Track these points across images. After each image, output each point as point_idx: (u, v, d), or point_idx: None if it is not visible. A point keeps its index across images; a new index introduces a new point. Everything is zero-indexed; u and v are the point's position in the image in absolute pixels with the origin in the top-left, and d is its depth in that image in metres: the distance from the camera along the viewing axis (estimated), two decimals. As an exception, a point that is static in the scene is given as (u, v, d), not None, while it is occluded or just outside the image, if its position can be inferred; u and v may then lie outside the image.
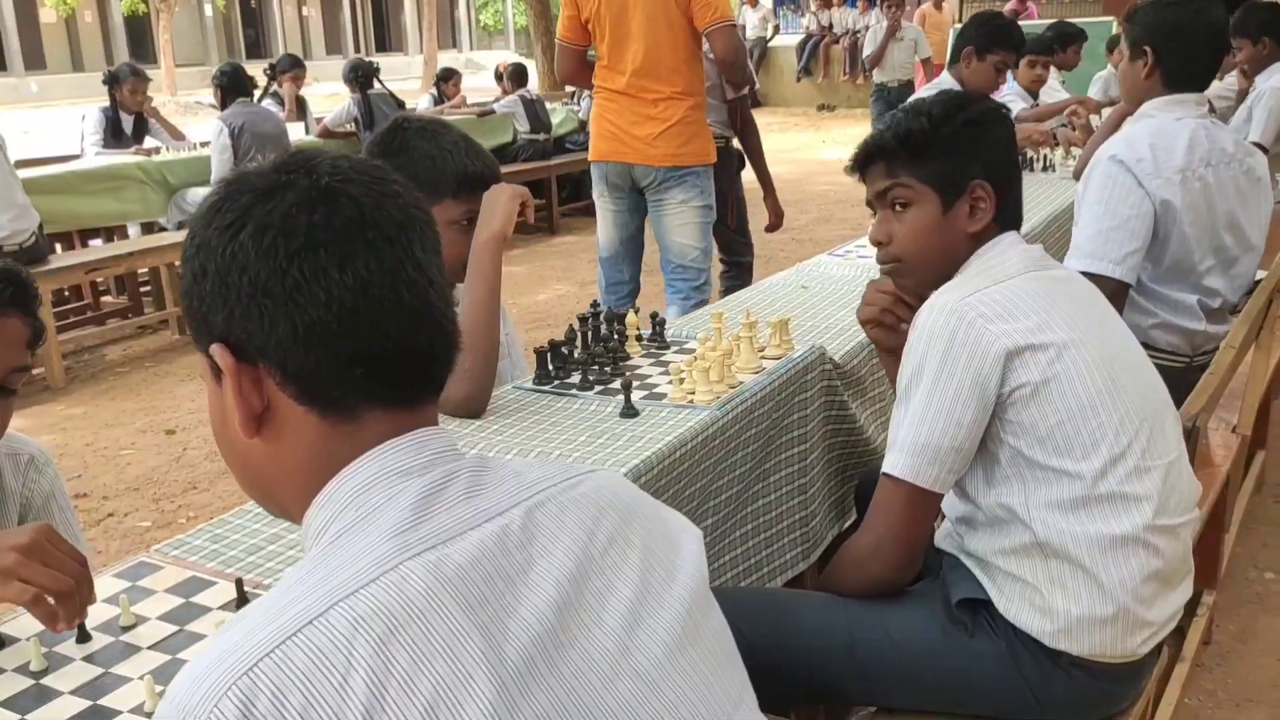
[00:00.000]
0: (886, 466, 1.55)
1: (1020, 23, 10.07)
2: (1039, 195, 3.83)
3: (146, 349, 6.04)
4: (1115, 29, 9.35)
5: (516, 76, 9.11)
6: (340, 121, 7.45)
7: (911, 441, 1.53)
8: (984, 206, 1.63)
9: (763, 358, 2.05)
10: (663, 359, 2.11)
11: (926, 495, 1.53)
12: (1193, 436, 1.77)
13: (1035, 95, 5.38)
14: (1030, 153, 4.45)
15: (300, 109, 8.03)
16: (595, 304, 2.15)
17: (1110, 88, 6.92)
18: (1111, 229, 2.50)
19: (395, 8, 42.61)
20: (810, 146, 14.18)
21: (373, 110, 7.34)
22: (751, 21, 17.84)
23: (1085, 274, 2.53)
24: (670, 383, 1.90)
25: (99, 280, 6.56)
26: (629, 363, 2.09)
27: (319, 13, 40.32)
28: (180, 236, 6.23)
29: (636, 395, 1.89)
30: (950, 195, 1.65)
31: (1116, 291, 2.49)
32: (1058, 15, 14.36)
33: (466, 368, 1.81)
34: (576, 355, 2.05)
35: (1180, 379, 2.71)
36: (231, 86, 6.31)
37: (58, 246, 6.62)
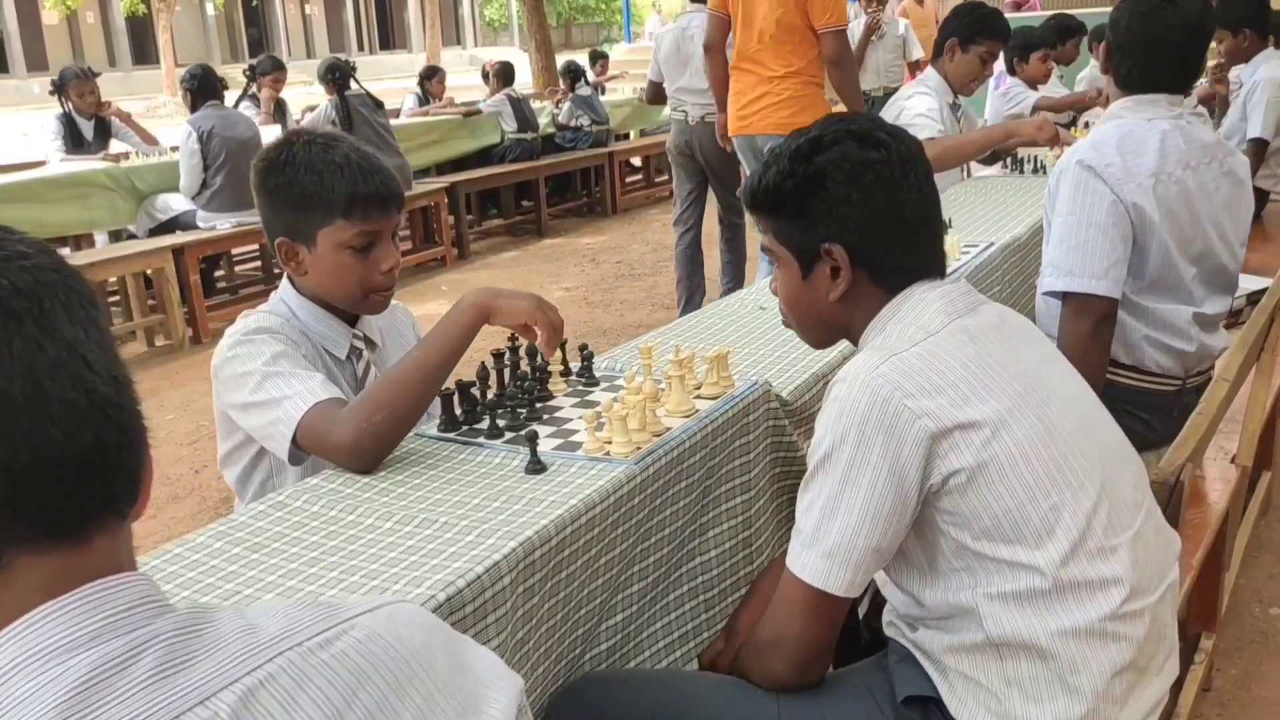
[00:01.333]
0: (790, 559, 1.35)
1: (1022, 16, 9.82)
2: (1026, 202, 3.60)
3: (113, 362, 5.84)
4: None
5: (503, 75, 8.91)
6: (316, 124, 7.23)
7: (820, 537, 1.31)
8: (842, 273, 1.43)
9: (698, 397, 1.84)
10: (590, 398, 1.90)
11: (835, 601, 1.32)
12: (1175, 491, 1.55)
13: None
14: (1020, 153, 4.20)
15: (279, 112, 7.83)
16: (514, 337, 1.94)
17: (1097, 85, 6.67)
18: (1087, 240, 2.28)
19: (399, 5, 42.42)
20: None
21: (350, 112, 7.13)
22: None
23: (1069, 294, 2.34)
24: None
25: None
26: (551, 403, 1.88)
27: (322, 11, 40.15)
28: (150, 244, 6.03)
29: (550, 445, 1.68)
30: (805, 259, 1.46)
31: (1104, 310, 2.28)
32: (1060, 8, 14.06)
33: (374, 421, 1.60)
34: (490, 397, 1.83)
35: (1173, 404, 2.49)
36: (201, 90, 6.12)
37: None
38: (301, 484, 1.59)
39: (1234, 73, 4.63)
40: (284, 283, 1.93)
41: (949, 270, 2.65)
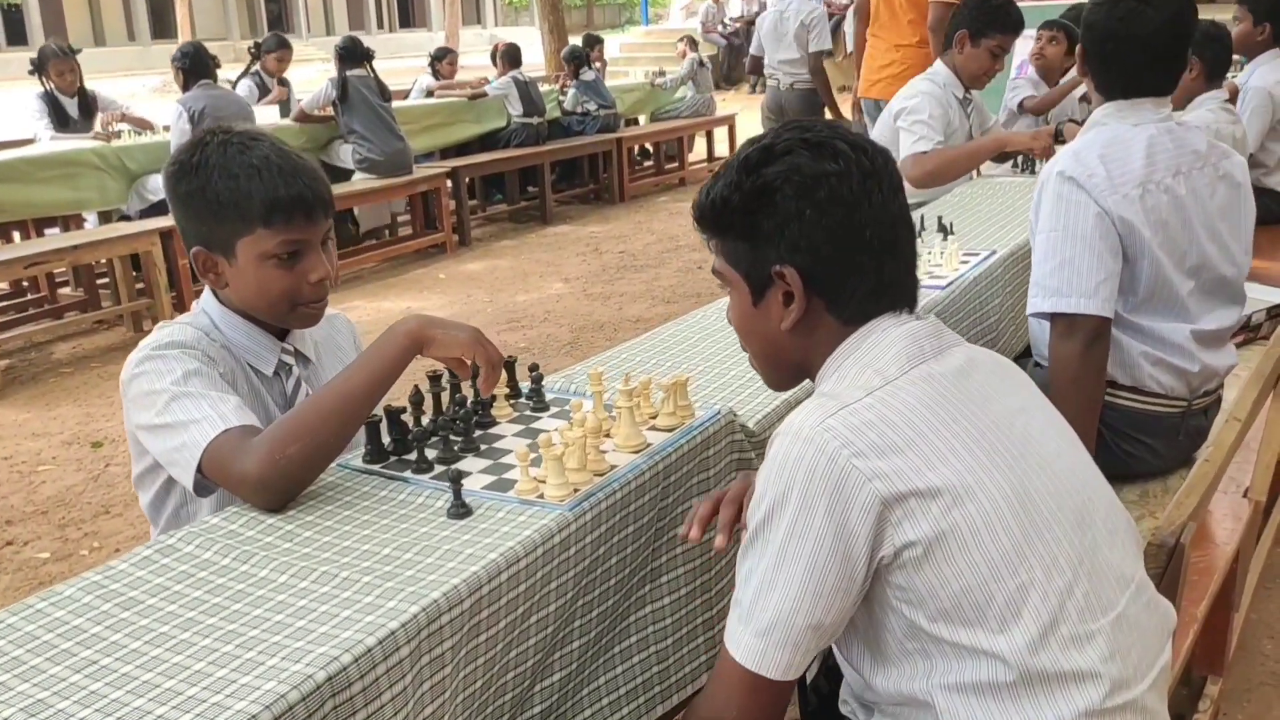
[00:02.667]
0: (727, 634, 1.19)
1: (1038, 4, 9.51)
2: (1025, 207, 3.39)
3: (98, 346, 5.72)
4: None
5: (509, 57, 8.73)
6: (316, 104, 7.07)
7: (756, 613, 1.15)
8: (795, 299, 1.27)
9: (653, 428, 1.67)
10: (537, 425, 1.73)
11: (773, 684, 1.16)
12: (1174, 555, 1.37)
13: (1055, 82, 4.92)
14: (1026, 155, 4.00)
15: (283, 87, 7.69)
16: (437, 374, 1.76)
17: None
18: (1073, 257, 2.12)
19: (419, -18, 42.17)
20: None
21: (349, 90, 6.96)
22: (769, -1, 17.30)
23: (1056, 315, 2.16)
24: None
25: (58, 271, 6.25)
26: (494, 430, 1.71)
27: (342, -13, 39.96)
28: (137, 226, 5.89)
29: (481, 483, 1.51)
30: (755, 282, 1.30)
31: (1096, 330, 2.11)
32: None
33: (288, 453, 1.44)
34: (426, 423, 1.67)
35: (1179, 426, 2.32)
36: (193, 68, 5.97)
37: (15, 236, 6.33)
38: (197, 524, 1.43)
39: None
40: (206, 291, 1.77)
41: (945, 282, 2.53)
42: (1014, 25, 3.92)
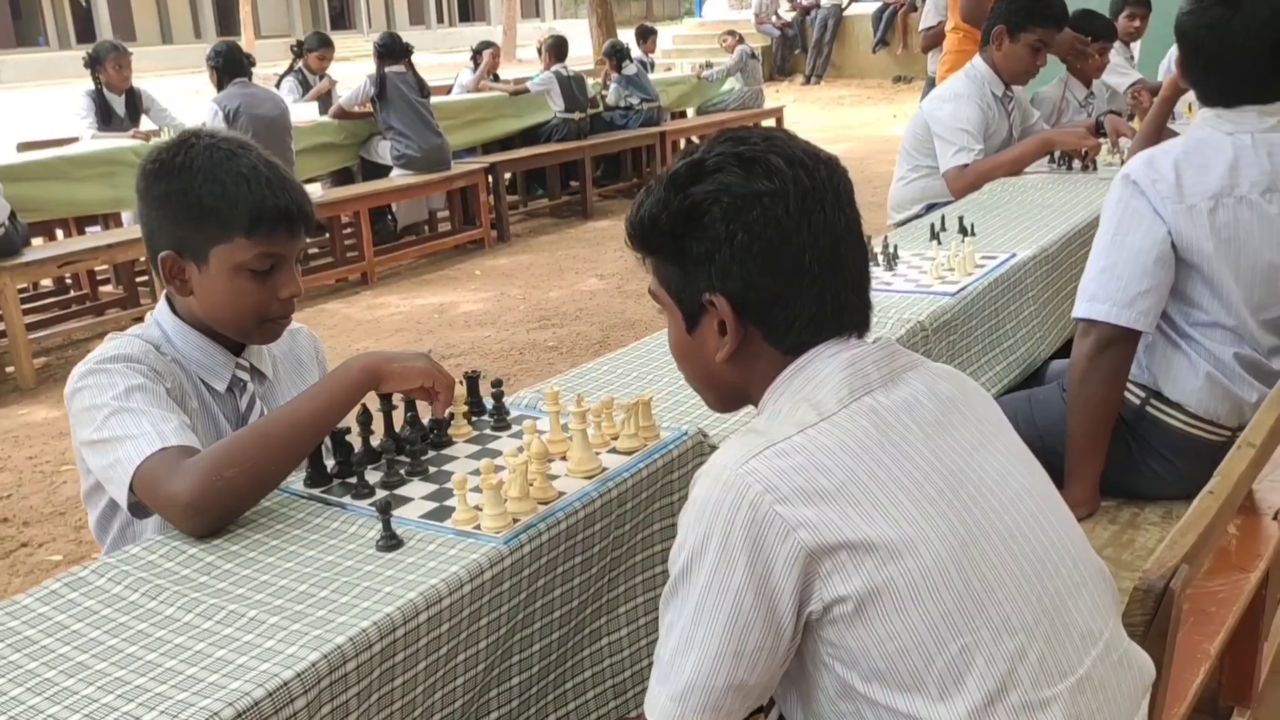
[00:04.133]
0: (648, 700, 1.09)
1: None
2: (1067, 205, 3.24)
3: (134, 345, 5.75)
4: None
5: (555, 50, 8.65)
6: (355, 101, 7.07)
7: (673, 674, 1.06)
8: (728, 329, 1.17)
9: (613, 450, 1.57)
10: (494, 446, 1.64)
11: None
12: (1164, 601, 1.25)
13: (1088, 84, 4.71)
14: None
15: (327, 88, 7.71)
16: (390, 401, 1.69)
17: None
18: (1116, 264, 2.00)
19: (478, -24, 42.37)
20: (880, 122, 13.45)
21: (387, 87, 6.94)
22: (827, -11, 17.06)
23: (1084, 321, 2.03)
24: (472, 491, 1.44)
25: (100, 269, 6.31)
26: (448, 450, 1.63)
27: (403, -18, 40.27)
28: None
29: (420, 511, 1.43)
30: (689, 311, 1.20)
31: (1113, 339, 1.99)
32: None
33: (225, 476, 1.38)
34: (373, 444, 1.59)
35: (1216, 456, 2.16)
36: (226, 67, 5.98)
37: (58, 233, 6.40)
38: (117, 553, 1.37)
39: None
40: (161, 302, 1.72)
41: (956, 288, 2.39)
42: (1056, 18, 3.74)
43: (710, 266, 1.16)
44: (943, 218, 2.97)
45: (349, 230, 7.07)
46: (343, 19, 38.31)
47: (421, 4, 40.60)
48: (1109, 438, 2.10)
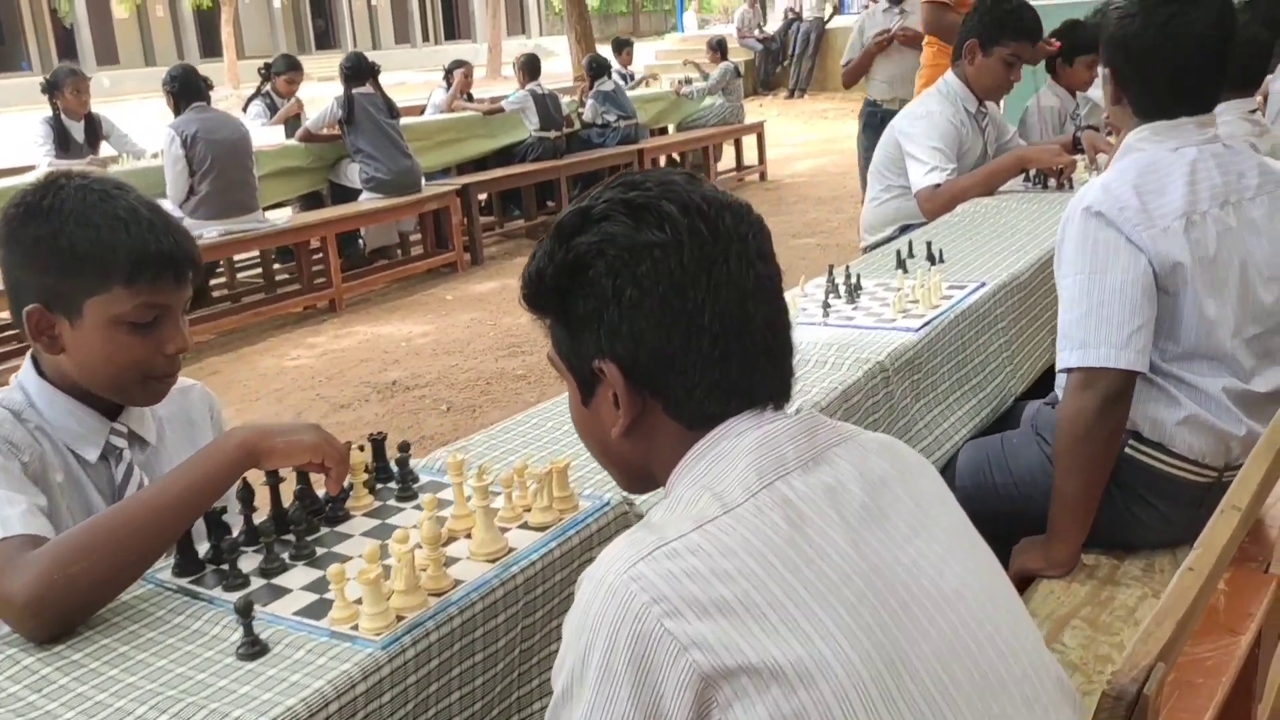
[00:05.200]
0: None
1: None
2: (1040, 227, 3.08)
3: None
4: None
5: (528, 68, 8.50)
6: (321, 123, 6.92)
7: None
8: (621, 402, 1.02)
9: (524, 525, 1.41)
10: (394, 521, 1.47)
11: None
12: (1138, 708, 1.08)
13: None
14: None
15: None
16: (277, 474, 1.52)
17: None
18: (1101, 304, 1.85)
19: (464, -5, 42.35)
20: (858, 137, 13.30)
21: (354, 108, 6.79)
22: (809, 2, 16.96)
23: (1082, 370, 1.87)
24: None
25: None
26: (343, 527, 1.46)
27: (388, 2, 40.23)
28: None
29: (302, 603, 1.26)
30: (581, 379, 1.06)
31: (1121, 385, 1.85)
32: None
33: (69, 573, 1.21)
34: (257, 524, 1.42)
35: (1202, 498, 2.01)
36: (183, 91, 5.80)
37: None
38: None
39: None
40: (26, 362, 1.55)
41: (919, 323, 2.22)
42: (1028, 32, 3.59)
43: (598, 328, 1.01)
44: (910, 244, 2.81)
45: (317, 256, 6.90)
46: (327, 38, 38.23)
47: (406, 22, 40.56)
48: (1102, 494, 1.94)
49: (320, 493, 1.49)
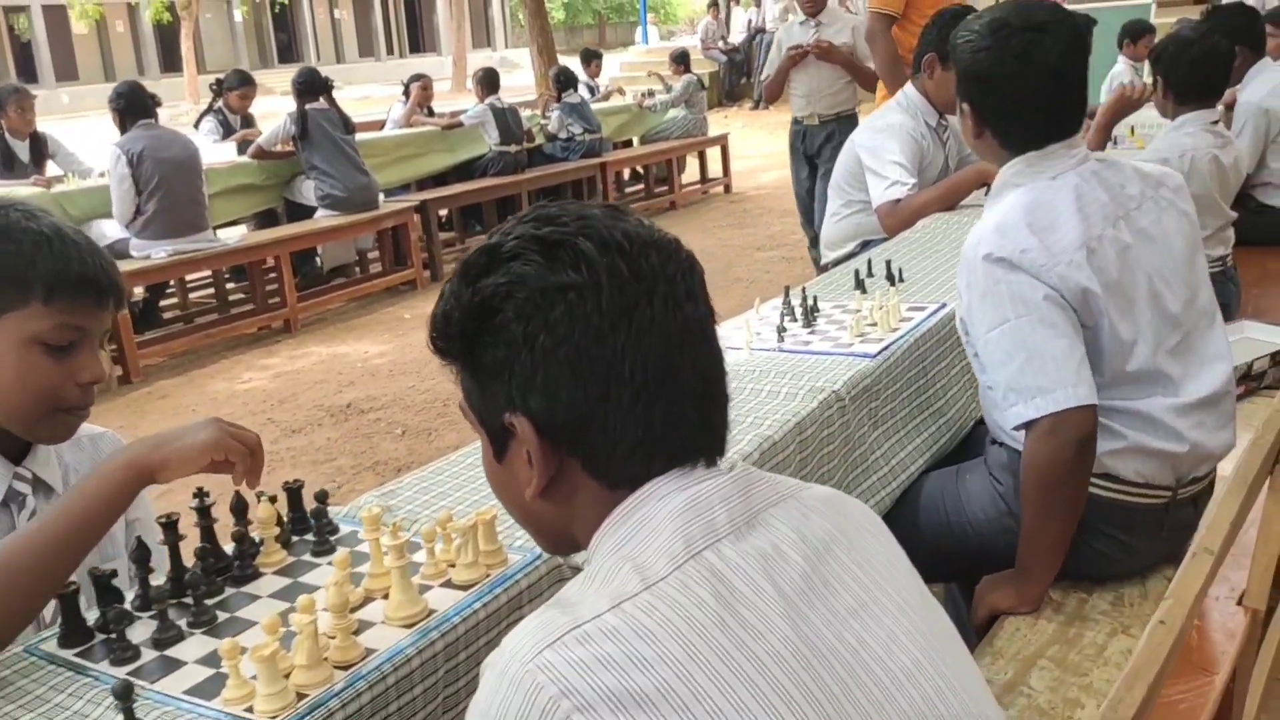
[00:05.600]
0: None
1: None
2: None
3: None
4: (1155, 16, 8.40)
5: (486, 82, 8.40)
6: (274, 140, 6.77)
7: None
8: (534, 460, 0.92)
9: (446, 584, 1.30)
10: (309, 579, 1.36)
11: None
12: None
13: None
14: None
15: (248, 128, 7.41)
16: (200, 491, 1.41)
17: (1120, 80, 6.08)
18: (1038, 347, 1.76)
19: (428, 7, 42.26)
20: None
21: (308, 124, 6.65)
22: (772, 13, 16.97)
23: (1046, 417, 1.77)
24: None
25: None
26: (250, 587, 1.34)
27: (351, 15, 40.07)
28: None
29: (195, 679, 1.14)
30: (493, 434, 0.96)
31: (1088, 424, 1.76)
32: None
33: None
34: (152, 587, 1.30)
35: (1162, 520, 1.94)
36: (129, 109, 5.65)
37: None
38: None
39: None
40: None
41: (877, 349, 2.12)
42: None
43: (509, 378, 0.91)
44: (869, 263, 2.73)
45: (272, 275, 6.75)
46: (290, 52, 37.97)
47: (371, 35, 40.37)
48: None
49: (228, 548, 1.37)
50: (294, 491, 1.48)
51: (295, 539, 1.45)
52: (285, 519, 1.45)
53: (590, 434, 0.90)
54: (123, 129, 5.68)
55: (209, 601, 1.28)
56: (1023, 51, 1.80)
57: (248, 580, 1.35)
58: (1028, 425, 1.76)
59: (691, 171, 10.78)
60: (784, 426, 1.81)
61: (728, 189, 10.61)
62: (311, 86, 6.74)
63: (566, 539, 1.00)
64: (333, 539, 1.44)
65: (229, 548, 1.38)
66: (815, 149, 5.61)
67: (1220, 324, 1.98)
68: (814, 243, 5.32)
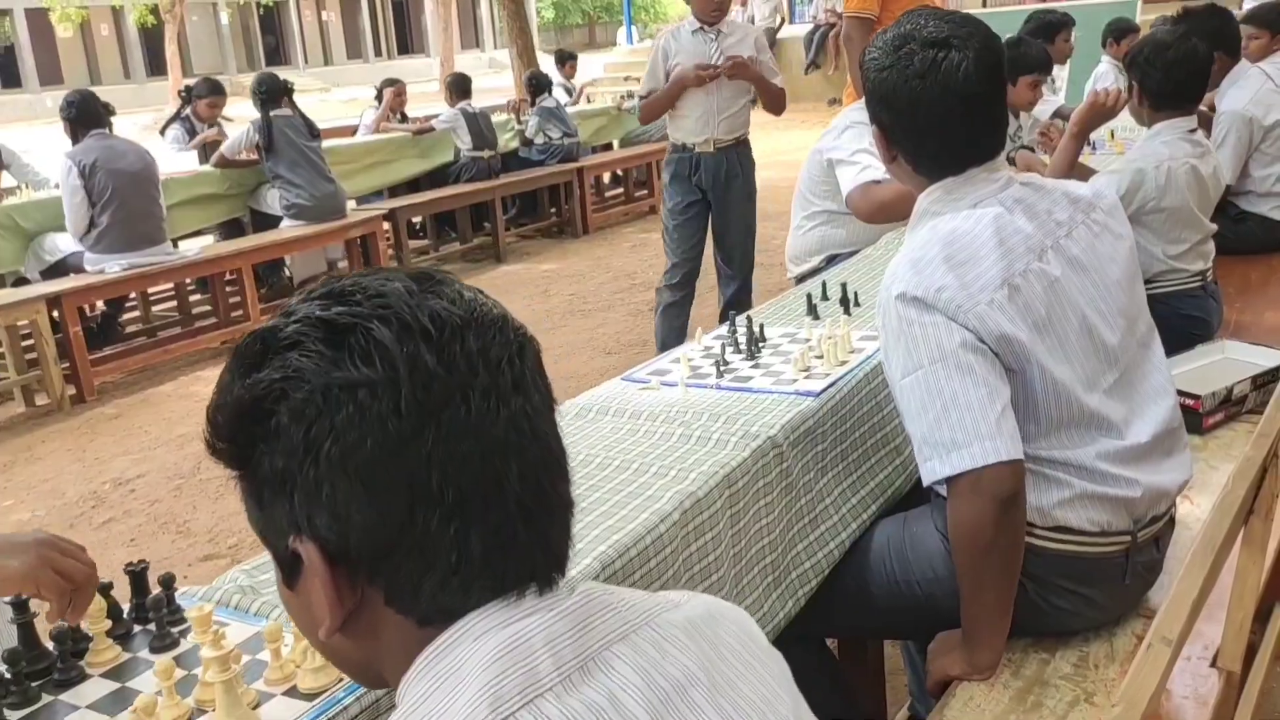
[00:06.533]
0: None
1: (1013, 8, 9.03)
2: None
3: (-18, 424, 5.23)
4: (1141, 14, 8.25)
5: (457, 87, 8.24)
6: (237, 148, 6.59)
7: None
8: (326, 592, 0.75)
9: (290, 692, 1.13)
10: (136, 685, 1.19)
11: None
12: None
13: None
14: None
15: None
16: (19, 598, 1.23)
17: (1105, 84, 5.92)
18: (954, 397, 1.58)
19: (416, 9, 42.03)
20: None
21: (273, 132, 6.47)
22: (761, 12, 16.79)
23: (962, 475, 1.60)
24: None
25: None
26: (72, 694, 1.17)
27: (338, 17, 39.83)
28: (19, 294, 5.39)
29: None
30: (280, 557, 0.78)
31: (1011, 479, 1.58)
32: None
33: None
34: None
35: (1123, 569, 1.77)
36: (80, 118, 5.45)
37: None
38: None
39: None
40: None
41: (820, 387, 1.95)
42: None
43: (291, 495, 0.74)
44: (824, 285, 2.56)
45: (235, 287, 6.58)
46: (278, 55, 37.74)
47: (359, 37, 40.15)
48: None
49: (50, 644, 1.20)
50: (137, 574, 1.31)
51: (136, 630, 1.28)
52: (123, 608, 1.27)
53: (393, 562, 0.74)
54: (74, 139, 5.49)
55: (23, 712, 1.11)
56: (926, 70, 1.64)
57: (70, 685, 1.18)
58: (948, 482, 1.59)
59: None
60: (710, 480, 1.65)
61: (709, 192, 10.45)
62: (274, 93, 6.56)
63: (376, 677, 0.83)
64: (176, 631, 1.26)
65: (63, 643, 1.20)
66: (711, 180, 4.56)
67: (1159, 353, 1.82)
68: (679, 288, 4.66)
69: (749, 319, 2.29)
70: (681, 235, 4.65)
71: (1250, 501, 1.62)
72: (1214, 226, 3.02)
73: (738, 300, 4.57)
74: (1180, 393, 2.50)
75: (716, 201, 4.61)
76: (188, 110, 7.38)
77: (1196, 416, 2.50)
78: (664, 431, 1.83)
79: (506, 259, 8.11)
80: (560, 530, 0.80)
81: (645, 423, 1.88)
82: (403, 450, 0.71)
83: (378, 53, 40.60)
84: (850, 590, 1.96)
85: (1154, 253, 2.92)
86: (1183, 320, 2.92)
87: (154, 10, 27.33)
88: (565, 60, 10.74)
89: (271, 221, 6.76)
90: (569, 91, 10.41)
